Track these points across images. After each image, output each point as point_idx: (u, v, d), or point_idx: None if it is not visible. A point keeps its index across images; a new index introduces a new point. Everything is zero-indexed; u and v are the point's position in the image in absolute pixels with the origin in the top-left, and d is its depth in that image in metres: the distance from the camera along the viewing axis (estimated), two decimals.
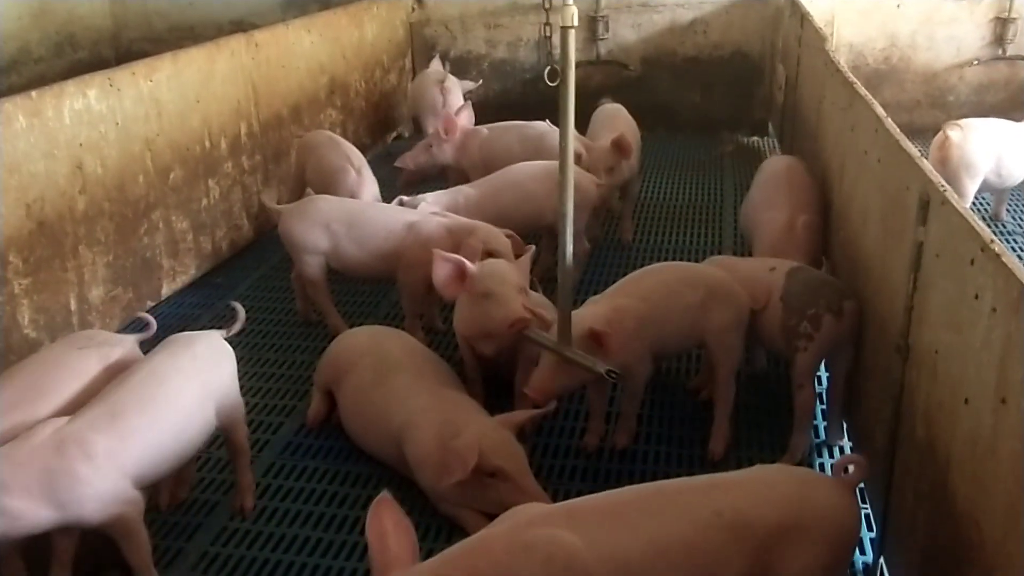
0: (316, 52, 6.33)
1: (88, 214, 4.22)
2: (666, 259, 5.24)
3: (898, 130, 3.07)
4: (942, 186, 2.48)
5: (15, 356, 3.80)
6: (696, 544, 2.20)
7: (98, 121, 4.27)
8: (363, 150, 6.95)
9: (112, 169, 4.37)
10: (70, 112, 4.10)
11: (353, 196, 4.76)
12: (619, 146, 5.07)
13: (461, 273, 3.54)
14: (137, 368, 2.95)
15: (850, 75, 3.95)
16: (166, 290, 4.83)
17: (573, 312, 3.28)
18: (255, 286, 5.08)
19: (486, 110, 6.71)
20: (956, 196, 2.41)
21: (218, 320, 4.57)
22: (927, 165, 2.67)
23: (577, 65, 8.07)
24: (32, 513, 2.52)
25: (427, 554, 2.99)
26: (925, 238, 2.56)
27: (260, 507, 3.31)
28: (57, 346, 3.22)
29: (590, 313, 3.33)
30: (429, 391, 3.33)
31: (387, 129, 7.56)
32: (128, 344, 3.22)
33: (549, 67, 3.25)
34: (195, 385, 2.96)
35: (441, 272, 3.56)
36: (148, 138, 4.61)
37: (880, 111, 3.32)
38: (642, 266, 3.70)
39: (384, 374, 3.43)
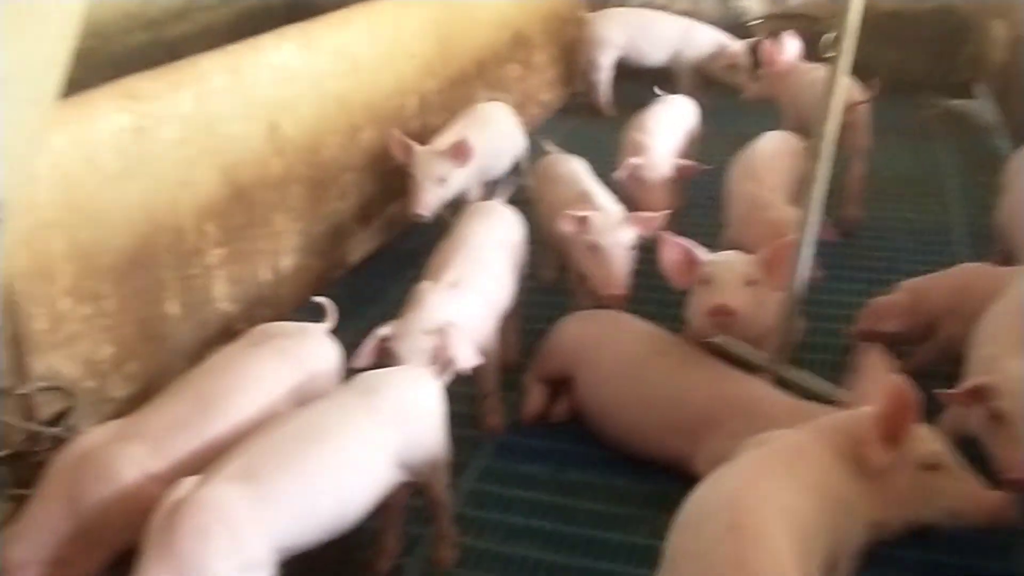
0: (499, 2, 5.93)
1: (282, 178, 3.94)
2: (890, 238, 4.74)
3: None
4: None
5: (209, 331, 3.59)
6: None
7: (293, 78, 3.97)
8: (542, 108, 6.63)
9: (306, 130, 4.08)
10: (267, 69, 3.81)
11: None
12: None
13: (690, 259, 3.18)
14: (298, 414, 2.46)
15: None
16: (353, 258, 4.55)
17: None
18: None
19: None
20: None
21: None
22: None
23: (766, 18, 7.56)
24: None
25: None
26: None
27: (482, 519, 3.00)
28: (233, 347, 2.83)
29: None
30: (736, 378, 3.06)
31: (565, 85, 7.12)
32: (316, 336, 2.88)
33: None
34: (369, 443, 2.43)
35: (668, 257, 3.21)
36: (342, 96, 4.30)
37: None
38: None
39: (663, 357, 3.19)
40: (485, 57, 5.71)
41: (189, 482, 2.19)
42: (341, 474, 2.35)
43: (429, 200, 4.22)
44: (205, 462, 2.35)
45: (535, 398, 3.42)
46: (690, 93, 6.46)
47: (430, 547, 2.82)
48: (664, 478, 3.04)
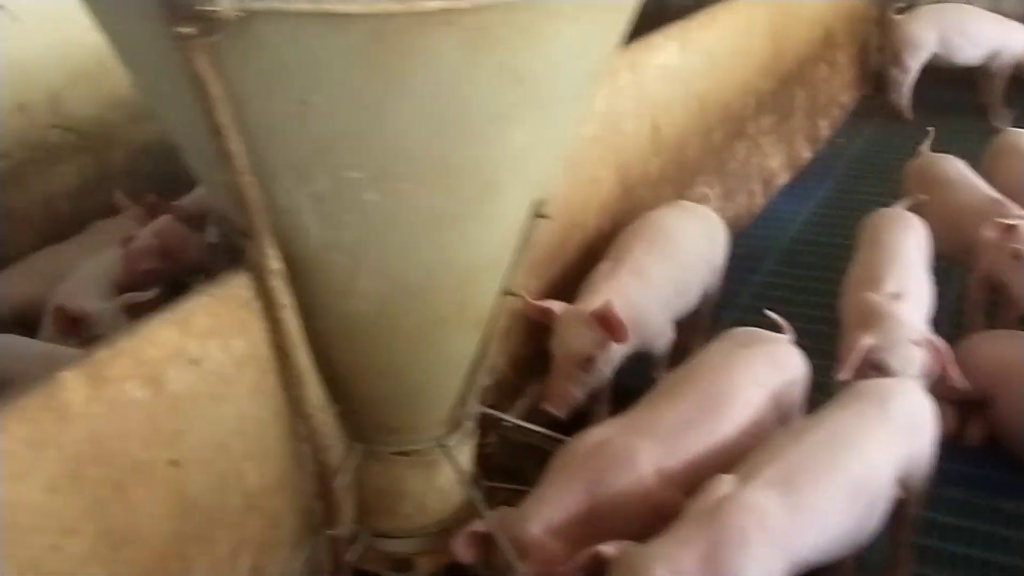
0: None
1: (657, 179, 3.93)
2: None
3: None
4: None
5: None
6: None
7: (672, 77, 3.95)
8: (839, 109, 6.43)
9: (677, 129, 4.05)
10: (654, 68, 3.80)
11: None
12: None
13: None
14: (819, 423, 2.40)
15: None
16: None
17: None
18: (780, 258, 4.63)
19: None
20: None
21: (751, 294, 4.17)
22: None
23: None
24: None
25: None
26: None
27: (919, 545, 2.89)
28: (722, 346, 2.80)
29: None
30: None
31: (859, 86, 6.89)
32: (788, 344, 2.84)
33: None
34: (884, 455, 2.36)
35: None
36: (703, 96, 4.26)
37: None
38: None
39: None
40: (804, 56, 5.58)
41: (726, 481, 2.18)
42: (868, 487, 2.29)
43: (569, 392, 2.88)
44: (711, 462, 2.36)
45: (947, 418, 3.28)
46: (999, 99, 6.18)
47: (881, 568, 2.74)
48: None
